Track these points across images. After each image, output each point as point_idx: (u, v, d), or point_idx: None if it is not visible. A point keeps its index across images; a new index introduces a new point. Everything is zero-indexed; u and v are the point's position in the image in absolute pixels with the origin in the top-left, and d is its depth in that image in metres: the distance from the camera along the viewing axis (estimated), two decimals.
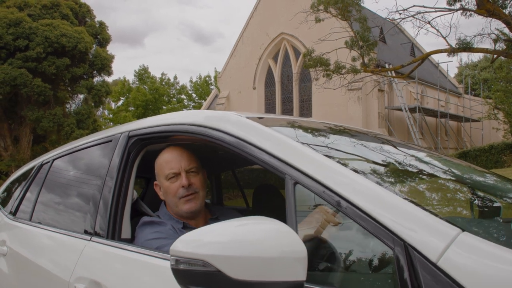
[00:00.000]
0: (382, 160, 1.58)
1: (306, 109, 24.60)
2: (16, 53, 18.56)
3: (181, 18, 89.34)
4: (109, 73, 22.17)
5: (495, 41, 13.13)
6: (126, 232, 1.77)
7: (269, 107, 25.93)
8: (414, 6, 13.22)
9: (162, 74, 43.09)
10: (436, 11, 12.92)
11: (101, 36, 22.06)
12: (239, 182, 3.15)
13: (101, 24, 22.43)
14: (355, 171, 1.19)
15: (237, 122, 1.49)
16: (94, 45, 21.22)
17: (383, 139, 1.97)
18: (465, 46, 12.67)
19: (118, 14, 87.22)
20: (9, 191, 3.09)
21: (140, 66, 43.76)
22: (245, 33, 26.16)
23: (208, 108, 30.39)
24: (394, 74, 18.80)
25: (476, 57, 42.00)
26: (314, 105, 23.67)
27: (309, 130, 1.79)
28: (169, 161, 1.73)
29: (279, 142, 1.33)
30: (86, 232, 1.86)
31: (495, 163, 17.88)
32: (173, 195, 1.72)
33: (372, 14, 18.78)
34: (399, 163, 1.63)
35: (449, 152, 22.99)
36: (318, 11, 14.44)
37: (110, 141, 1.99)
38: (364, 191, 1.08)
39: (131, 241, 1.75)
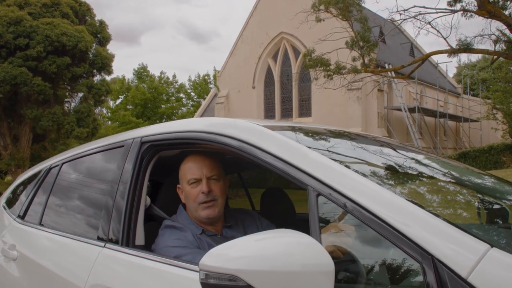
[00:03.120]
0: (409, 171, 1.59)
1: (305, 109, 24.59)
2: (17, 51, 18.43)
3: (178, 17, 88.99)
4: (109, 72, 22.09)
5: (495, 42, 13.15)
6: (140, 238, 1.77)
7: (269, 107, 25.91)
8: (414, 6, 13.23)
9: (161, 72, 43.14)
10: (437, 12, 12.94)
11: (101, 35, 21.96)
12: (245, 186, 3.15)
13: (101, 23, 22.32)
14: (382, 183, 1.20)
15: (257, 132, 1.48)
16: (94, 44, 21.13)
17: (403, 147, 1.96)
18: (465, 47, 12.69)
19: (114, 12, 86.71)
20: (15, 194, 3.07)
21: (139, 65, 43.73)
22: (244, 32, 26.13)
23: (207, 107, 30.34)
24: (394, 75, 18.80)
25: (475, 57, 42.01)
26: (313, 105, 23.66)
27: (329, 140, 1.79)
28: (191, 167, 1.78)
29: (300, 153, 1.32)
30: (99, 238, 1.85)
31: (495, 164, 17.89)
32: (193, 200, 1.76)
33: (373, 14, 18.80)
34: (425, 173, 1.63)
35: (448, 152, 23.02)
36: (318, 11, 14.43)
37: (122, 146, 1.98)
38: (391, 205, 1.08)
39: (145, 247, 1.75)
